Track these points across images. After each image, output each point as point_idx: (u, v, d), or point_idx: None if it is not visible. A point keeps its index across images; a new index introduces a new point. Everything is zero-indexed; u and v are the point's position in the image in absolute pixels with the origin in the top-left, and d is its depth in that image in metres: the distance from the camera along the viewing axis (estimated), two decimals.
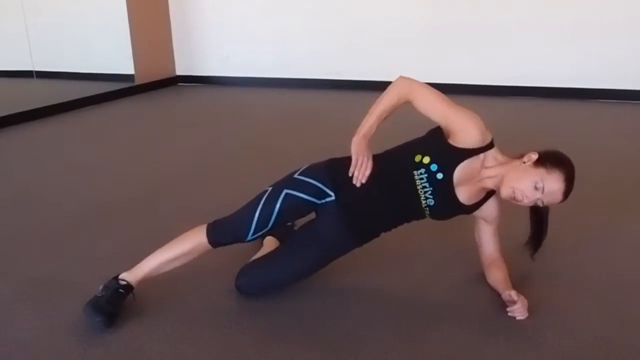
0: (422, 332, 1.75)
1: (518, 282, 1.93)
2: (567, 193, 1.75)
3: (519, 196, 1.75)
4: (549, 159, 1.76)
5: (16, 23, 5.30)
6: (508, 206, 1.95)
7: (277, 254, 1.97)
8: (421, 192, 1.82)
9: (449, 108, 1.81)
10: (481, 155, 1.81)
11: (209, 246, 1.87)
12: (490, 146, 1.82)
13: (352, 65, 6.06)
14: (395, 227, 1.96)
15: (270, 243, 2.13)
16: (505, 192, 1.77)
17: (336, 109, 5.33)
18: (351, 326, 1.79)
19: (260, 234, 1.88)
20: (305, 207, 1.89)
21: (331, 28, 6.05)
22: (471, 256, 2.10)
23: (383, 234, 1.98)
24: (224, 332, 1.77)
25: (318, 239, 1.91)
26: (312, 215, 1.97)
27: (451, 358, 1.63)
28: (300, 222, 2.05)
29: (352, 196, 1.86)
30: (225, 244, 1.89)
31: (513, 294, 1.78)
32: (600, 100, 5.24)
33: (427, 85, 1.85)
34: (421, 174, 1.80)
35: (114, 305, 1.79)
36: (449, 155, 1.80)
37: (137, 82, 6.20)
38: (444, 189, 1.81)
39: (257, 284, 1.94)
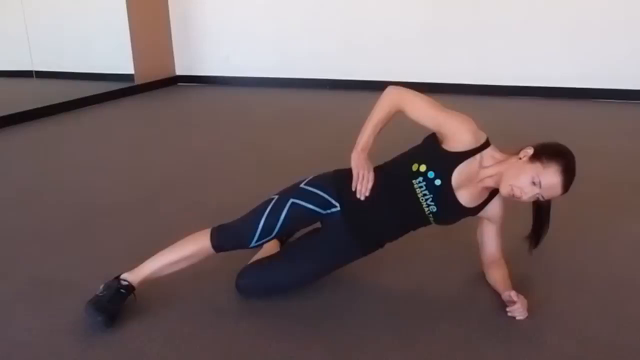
0: (422, 332, 1.75)
1: (518, 282, 1.93)
2: (566, 185, 1.73)
3: (517, 193, 1.75)
4: (545, 153, 1.74)
5: (16, 23, 5.30)
6: (508, 206, 1.95)
7: (281, 258, 1.97)
8: (422, 200, 1.83)
9: (439, 113, 1.82)
10: (477, 156, 1.81)
11: (212, 251, 1.87)
12: (485, 146, 1.82)
13: (352, 65, 6.07)
14: (401, 235, 1.97)
15: (270, 245, 2.13)
16: (504, 190, 1.77)
17: (336, 109, 5.33)
18: (351, 326, 1.79)
19: (263, 241, 1.88)
20: (310, 217, 1.90)
21: (331, 28, 6.05)
22: (471, 256, 2.11)
23: (388, 244, 1.99)
24: (224, 332, 1.77)
25: (323, 247, 1.92)
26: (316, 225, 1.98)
27: (451, 358, 1.63)
28: (303, 229, 2.05)
29: (356, 207, 1.87)
30: (228, 249, 1.90)
31: (513, 294, 1.79)
32: (600, 100, 5.24)
33: (417, 92, 1.87)
34: (420, 182, 1.81)
35: (115, 305, 1.79)
36: (445, 160, 1.80)
37: (137, 82, 6.21)
38: (445, 195, 1.82)
39: (258, 286, 1.95)
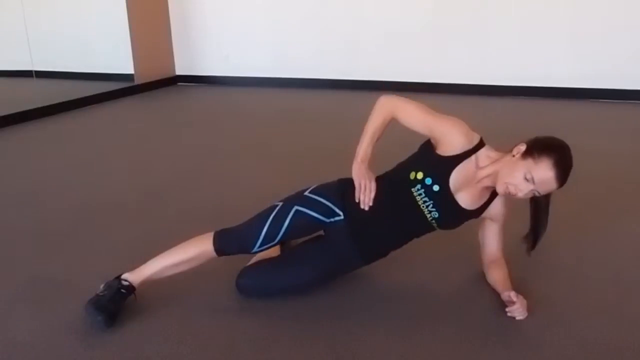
0: (421, 332, 1.75)
1: (518, 282, 1.93)
2: (560, 179, 1.71)
3: (512, 190, 1.75)
4: (536, 148, 1.74)
5: (16, 23, 5.29)
6: (508, 205, 1.95)
7: (283, 262, 1.98)
8: (423, 207, 1.84)
9: (430, 118, 1.84)
10: (473, 157, 1.82)
11: (214, 254, 1.88)
12: (479, 146, 1.83)
13: (352, 65, 6.07)
14: (405, 244, 1.98)
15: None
16: (499, 188, 1.78)
17: (336, 109, 5.33)
18: (351, 326, 1.79)
19: (266, 247, 1.89)
20: (313, 225, 1.90)
21: (331, 28, 6.05)
22: (471, 256, 2.11)
23: (392, 253, 2.00)
24: (223, 332, 1.77)
25: (325, 255, 1.93)
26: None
27: (451, 358, 1.63)
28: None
29: (360, 217, 1.88)
30: (230, 254, 1.90)
31: (512, 295, 1.79)
32: (600, 100, 5.24)
33: (408, 99, 1.90)
34: (418, 189, 1.83)
35: (116, 305, 1.79)
36: (440, 165, 1.82)
37: (137, 81, 6.21)
38: (445, 199, 1.82)
39: (259, 288, 1.95)
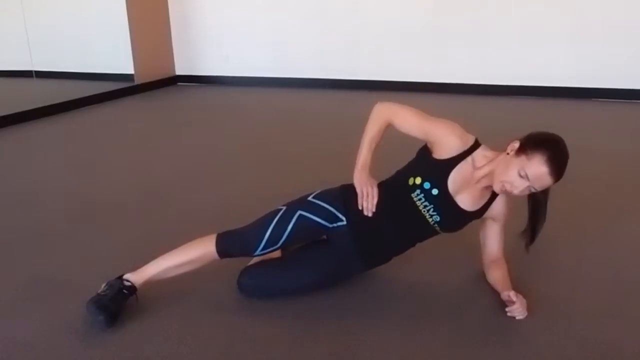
0: (421, 332, 1.75)
1: (518, 282, 1.93)
2: (555, 173, 1.70)
3: (508, 188, 1.75)
4: (529, 144, 1.74)
5: (16, 23, 5.30)
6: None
7: (285, 264, 1.99)
8: (424, 211, 1.85)
9: (425, 122, 1.86)
10: (469, 159, 1.82)
11: (217, 256, 1.88)
12: (474, 147, 1.84)
13: (352, 65, 6.07)
14: (408, 249, 1.99)
15: None
16: (496, 187, 1.79)
17: (336, 109, 5.33)
18: (351, 326, 1.79)
19: (268, 250, 1.89)
20: (316, 230, 1.91)
21: (331, 28, 6.05)
22: (471, 256, 2.11)
23: (395, 258, 2.00)
24: (223, 331, 1.77)
25: (327, 259, 1.93)
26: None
27: (451, 358, 1.64)
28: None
29: (362, 222, 1.89)
30: (232, 256, 1.91)
31: (512, 295, 1.79)
32: (600, 99, 5.24)
33: (403, 105, 1.92)
34: (418, 194, 1.84)
35: (117, 304, 1.80)
36: (437, 169, 1.83)
37: (137, 81, 6.21)
38: (445, 202, 1.83)
39: (260, 287, 1.96)
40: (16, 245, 2.45)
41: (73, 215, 2.77)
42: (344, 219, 1.89)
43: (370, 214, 1.87)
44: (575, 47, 5.24)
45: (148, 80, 6.34)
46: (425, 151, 1.89)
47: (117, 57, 6.24)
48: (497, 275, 1.94)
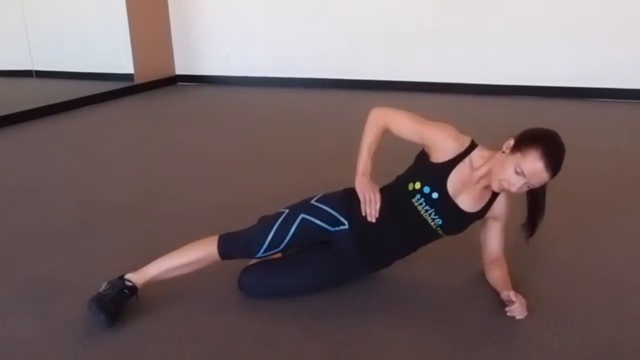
0: (422, 332, 1.75)
1: (518, 281, 1.93)
2: (551, 169, 1.69)
3: (506, 186, 1.76)
4: (523, 141, 1.74)
5: (16, 23, 5.30)
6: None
7: (286, 265, 1.99)
8: (426, 215, 1.86)
9: (420, 125, 1.87)
10: (466, 160, 1.83)
11: (218, 257, 1.88)
12: (471, 148, 1.85)
13: (352, 65, 6.07)
14: (409, 253, 1.99)
15: None
16: (494, 186, 1.79)
17: (336, 109, 5.33)
18: (351, 325, 1.79)
19: (270, 253, 1.89)
20: (318, 233, 1.91)
21: (331, 27, 6.05)
22: (471, 256, 2.11)
23: (397, 262, 2.01)
24: (224, 331, 1.77)
25: (330, 261, 1.94)
26: None
27: (451, 358, 1.64)
28: None
29: (365, 226, 1.89)
30: (234, 257, 1.91)
31: (512, 294, 1.79)
32: (601, 99, 5.24)
33: (399, 110, 1.94)
34: (418, 199, 1.85)
35: (118, 304, 1.80)
36: (435, 173, 1.84)
37: (137, 81, 6.21)
38: (445, 205, 1.84)
39: (261, 287, 1.96)
40: (16, 245, 2.45)
41: (73, 215, 2.77)
42: (346, 223, 1.89)
43: (373, 220, 1.88)
44: (575, 47, 5.24)
45: (148, 80, 6.34)
46: (423, 156, 1.90)
47: (117, 57, 6.24)
48: (497, 275, 1.94)
